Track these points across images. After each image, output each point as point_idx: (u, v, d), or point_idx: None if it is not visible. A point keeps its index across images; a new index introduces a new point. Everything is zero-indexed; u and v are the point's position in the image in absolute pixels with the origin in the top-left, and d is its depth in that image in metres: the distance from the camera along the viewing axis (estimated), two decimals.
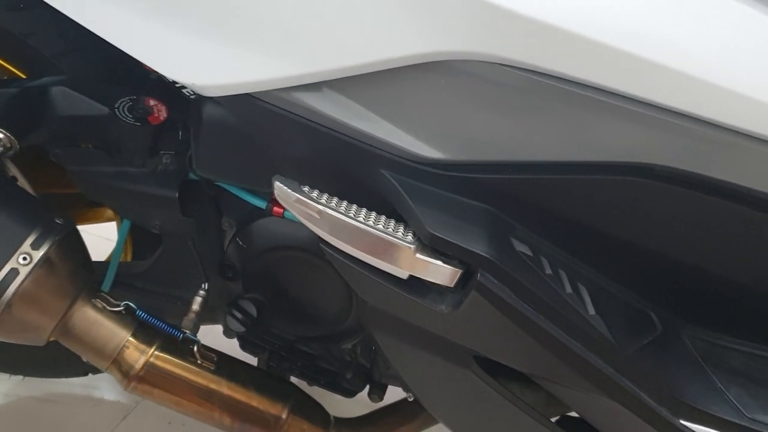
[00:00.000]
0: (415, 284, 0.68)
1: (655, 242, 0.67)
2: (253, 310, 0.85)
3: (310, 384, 0.96)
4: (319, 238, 0.68)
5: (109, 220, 1.12)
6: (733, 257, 0.67)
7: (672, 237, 0.67)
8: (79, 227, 0.93)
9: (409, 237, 0.66)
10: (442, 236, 0.64)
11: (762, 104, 0.57)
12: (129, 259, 1.09)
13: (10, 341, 0.80)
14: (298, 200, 0.66)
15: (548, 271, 0.67)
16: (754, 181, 0.60)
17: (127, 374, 0.82)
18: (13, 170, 0.89)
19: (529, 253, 0.67)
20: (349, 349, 0.91)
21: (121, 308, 0.82)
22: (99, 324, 0.81)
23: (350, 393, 0.95)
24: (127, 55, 0.67)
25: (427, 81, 0.62)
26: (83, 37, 0.69)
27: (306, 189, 0.68)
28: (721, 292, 0.70)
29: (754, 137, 0.58)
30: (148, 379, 0.82)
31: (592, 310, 0.67)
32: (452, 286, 0.66)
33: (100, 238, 1.17)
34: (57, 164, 0.88)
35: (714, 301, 0.72)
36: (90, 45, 0.77)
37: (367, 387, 0.95)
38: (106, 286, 0.91)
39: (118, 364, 0.82)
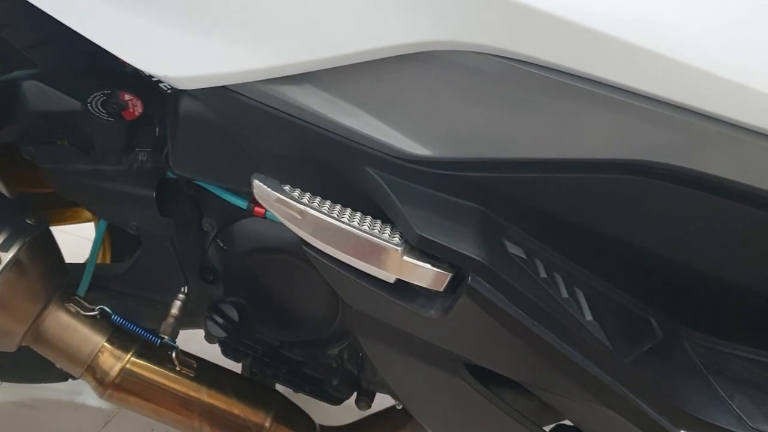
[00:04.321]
0: (403, 288, 0.65)
1: (654, 243, 0.64)
2: (234, 315, 0.82)
3: (296, 391, 0.93)
4: (302, 239, 0.65)
5: (88, 220, 1.08)
6: (736, 259, 0.64)
7: (672, 238, 0.64)
8: (58, 227, 0.90)
9: (396, 238, 0.63)
10: (430, 238, 0.60)
11: (762, 96, 0.54)
12: (107, 260, 1.06)
13: None
14: (279, 200, 0.63)
15: (543, 274, 0.64)
16: (756, 178, 0.57)
17: (102, 381, 0.79)
18: None
19: (523, 255, 0.64)
20: (336, 354, 0.88)
21: (96, 313, 0.79)
22: (72, 329, 0.78)
23: (337, 400, 0.92)
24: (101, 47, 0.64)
25: (415, 73, 0.59)
26: (56, 28, 0.66)
27: (287, 188, 0.64)
28: (724, 296, 0.67)
29: (757, 131, 0.55)
30: (125, 386, 0.80)
31: (589, 316, 0.64)
32: (441, 290, 0.63)
33: (80, 238, 1.13)
34: (31, 163, 0.85)
35: (716, 306, 0.69)
36: (63, 37, 0.73)
37: (355, 394, 0.92)
38: (82, 289, 0.87)
39: (92, 370, 0.79)
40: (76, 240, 1.09)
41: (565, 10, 0.53)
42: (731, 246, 0.63)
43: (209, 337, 0.89)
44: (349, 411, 0.96)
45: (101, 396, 0.79)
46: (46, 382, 1.23)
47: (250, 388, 0.85)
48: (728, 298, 0.67)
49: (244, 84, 0.61)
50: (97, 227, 0.93)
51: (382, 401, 0.95)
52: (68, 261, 0.84)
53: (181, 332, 0.89)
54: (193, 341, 0.93)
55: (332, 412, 0.96)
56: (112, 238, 1.06)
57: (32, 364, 1.13)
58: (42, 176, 0.85)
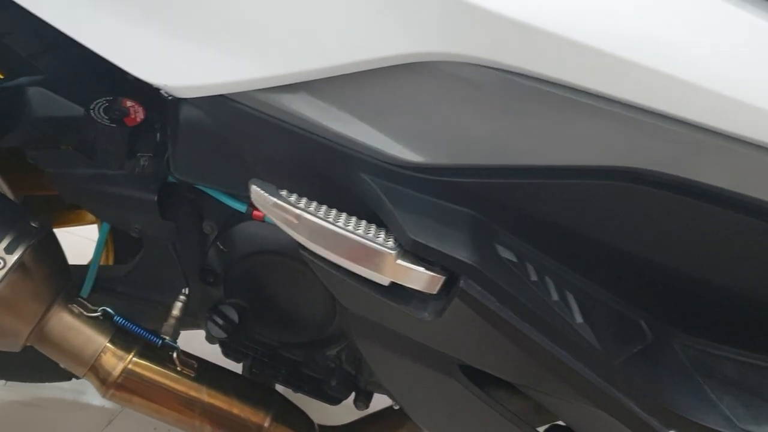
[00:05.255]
0: (397, 291, 0.66)
1: (644, 248, 0.65)
2: (234, 316, 0.83)
3: (295, 391, 0.94)
4: (299, 243, 0.66)
5: (92, 222, 1.10)
6: (724, 263, 0.66)
7: (661, 243, 0.65)
8: (62, 229, 0.92)
9: (390, 243, 0.64)
10: (423, 242, 0.62)
11: (750, 107, 0.55)
12: (111, 262, 1.07)
13: None
14: (276, 204, 0.64)
15: (534, 278, 0.65)
16: (743, 185, 0.59)
17: (105, 381, 0.81)
18: None
19: (514, 259, 0.65)
20: (334, 355, 0.89)
21: (99, 314, 0.81)
22: (76, 330, 0.80)
23: (335, 400, 0.94)
24: None
25: (408, 83, 0.60)
26: (61, 36, 0.68)
27: (284, 193, 0.66)
28: (713, 300, 0.68)
29: (742, 140, 0.56)
30: (127, 386, 0.81)
31: (579, 318, 0.65)
32: (435, 293, 0.64)
33: (84, 240, 1.15)
34: (36, 167, 0.87)
35: (706, 309, 0.70)
36: (67, 44, 0.75)
37: (353, 394, 0.94)
38: (86, 290, 0.89)
39: (95, 370, 0.81)
40: (80, 241, 1.11)
41: (554, 24, 0.54)
42: (719, 251, 0.64)
43: (210, 338, 0.91)
44: (348, 411, 0.98)
45: (104, 395, 0.81)
46: (51, 382, 1.25)
47: (250, 388, 0.87)
48: (717, 301, 0.68)
49: (241, 93, 0.63)
50: (100, 230, 0.95)
51: (381, 401, 0.96)
52: (72, 262, 0.86)
53: (183, 333, 0.91)
54: (195, 341, 0.95)
55: (331, 412, 0.97)
56: (115, 240, 1.08)
57: (37, 364, 1.15)
58: (46, 180, 0.87)
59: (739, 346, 0.71)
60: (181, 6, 0.61)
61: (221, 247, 0.83)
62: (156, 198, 0.80)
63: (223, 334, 0.83)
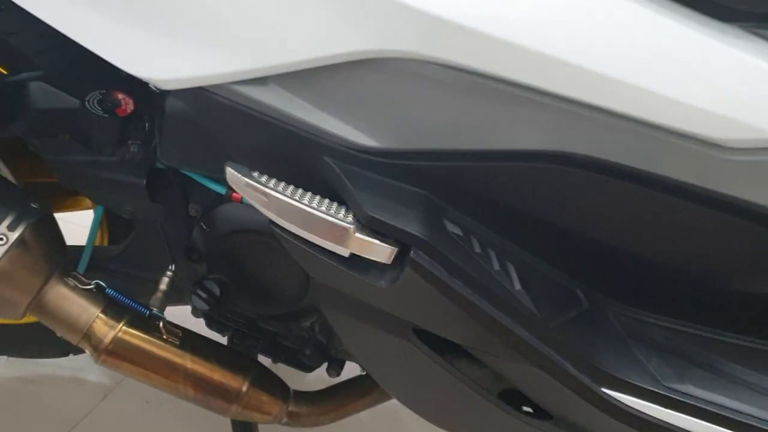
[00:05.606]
0: (357, 262, 0.73)
1: (577, 224, 0.72)
2: (216, 290, 0.90)
3: (273, 361, 1.02)
4: (270, 219, 0.74)
5: (87, 208, 1.18)
6: (650, 238, 0.72)
7: (592, 219, 0.72)
8: (60, 214, 0.99)
9: (350, 218, 0.71)
10: (378, 217, 0.69)
11: (657, 95, 0.62)
12: (105, 242, 1.15)
13: None
14: (248, 184, 0.72)
15: (478, 250, 0.72)
16: (661, 166, 0.65)
17: (97, 348, 0.88)
18: None
19: (460, 233, 0.72)
20: (308, 327, 0.96)
21: (92, 286, 0.88)
22: (71, 300, 0.87)
23: (309, 368, 1.01)
24: None
25: (363, 76, 0.67)
26: (62, 35, 0.74)
27: (256, 174, 0.73)
28: (643, 270, 0.75)
29: (651, 124, 0.63)
30: (117, 352, 0.88)
31: (518, 286, 0.71)
32: (389, 263, 0.72)
33: (81, 227, 1.22)
34: (37, 155, 0.94)
35: (637, 279, 0.76)
36: (66, 42, 0.82)
37: (326, 363, 1.01)
38: (81, 267, 0.97)
39: (88, 338, 0.88)
40: (77, 228, 1.18)
41: (483, 24, 0.62)
42: (646, 226, 0.71)
43: (195, 312, 0.98)
44: (323, 381, 1.05)
45: (96, 361, 0.88)
46: (49, 357, 1.32)
47: (230, 355, 0.94)
48: (647, 271, 0.75)
49: (217, 85, 0.70)
50: (95, 213, 1.02)
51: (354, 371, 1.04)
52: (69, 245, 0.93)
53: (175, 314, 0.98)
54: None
55: (308, 380, 1.04)
56: (109, 223, 1.16)
57: (36, 340, 1.23)
58: (46, 167, 0.94)
59: (667, 314, 0.78)
60: (162, 5, 0.68)
61: (204, 226, 0.90)
62: (145, 182, 0.88)
63: (206, 306, 0.90)
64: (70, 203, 1.17)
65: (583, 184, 0.69)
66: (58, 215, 0.91)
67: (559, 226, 0.73)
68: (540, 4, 0.62)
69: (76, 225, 1.15)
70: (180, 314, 1.00)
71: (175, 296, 0.96)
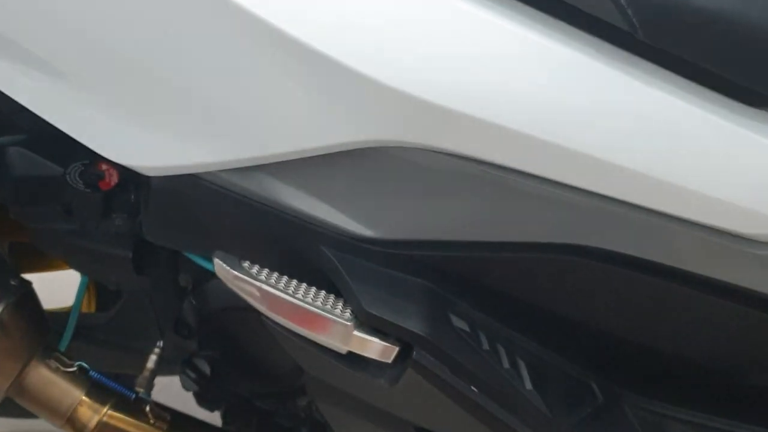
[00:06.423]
0: (355, 358, 0.68)
1: (590, 316, 0.69)
2: (206, 369, 0.86)
3: None
4: (260, 311, 0.69)
5: None
6: (669, 330, 0.69)
7: (606, 311, 0.68)
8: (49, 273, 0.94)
9: (347, 314, 0.67)
10: (378, 314, 0.65)
11: (682, 188, 0.58)
12: (93, 307, 1.10)
13: None
14: (237, 277, 0.67)
15: (486, 346, 0.68)
16: (681, 260, 0.62)
17: None
18: None
19: (467, 329, 0.68)
20: (304, 405, 0.92)
21: (75, 369, 0.83)
22: (53, 384, 0.82)
23: None
24: None
25: (357, 165, 0.63)
26: None
27: (246, 264, 0.69)
28: (659, 362, 0.71)
29: (672, 217, 0.60)
30: None
31: (529, 385, 0.67)
32: (390, 362, 0.67)
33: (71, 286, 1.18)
34: None
35: (654, 371, 0.73)
36: None
37: None
38: (65, 342, 0.92)
39: (72, 422, 0.83)
40: (65, 287, 1.13)
41: (487, 112, 0.57)
42: (663, 318, 0.68)
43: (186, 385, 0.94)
44: None
45: None
46: (34, 417, 1.27)
47: None
48: (663, 363, 0.71)
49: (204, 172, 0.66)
50: (81, 278, 0.98)
51: None
52: (60, 301, 0.88)
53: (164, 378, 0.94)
54: (174, 385, 0.98)
55: None
56: (97, 287, 1.11)
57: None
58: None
59: (686, 406, 0.74)
60: (143, 96, 0.64)
61: (193, 302, 0.86)
62: (131, 255, 0.83)
63: (195, 387, 0.86)
64: (57, 262, 1.12)
65: (597, 276, 0.65)
66: (44, 274, 0.87)
67: (572, 318, 0.69)
68: (550, 86, 0.58)
69: (63, 283, 1.10)
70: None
71: (164, 369, 0.91)
